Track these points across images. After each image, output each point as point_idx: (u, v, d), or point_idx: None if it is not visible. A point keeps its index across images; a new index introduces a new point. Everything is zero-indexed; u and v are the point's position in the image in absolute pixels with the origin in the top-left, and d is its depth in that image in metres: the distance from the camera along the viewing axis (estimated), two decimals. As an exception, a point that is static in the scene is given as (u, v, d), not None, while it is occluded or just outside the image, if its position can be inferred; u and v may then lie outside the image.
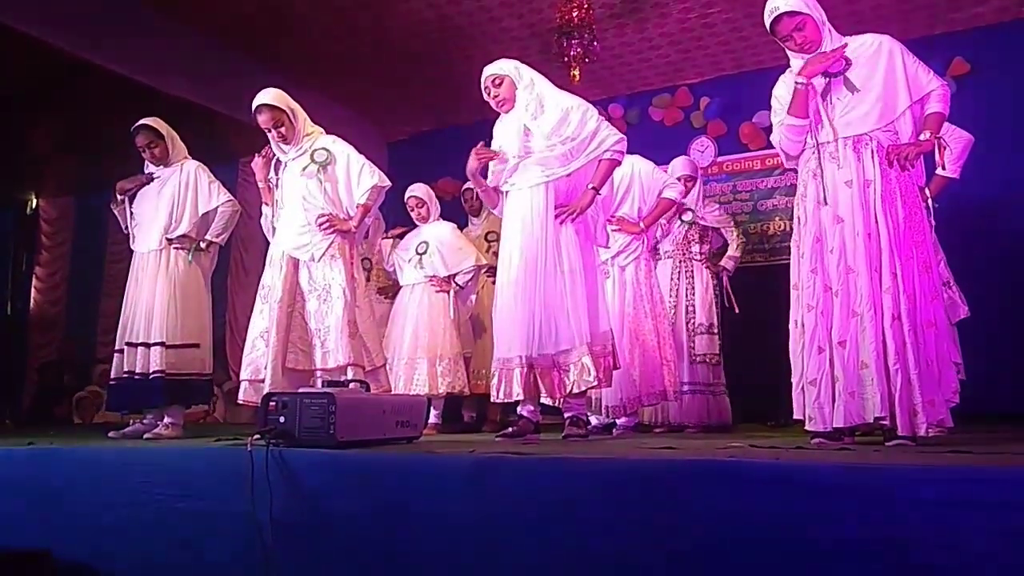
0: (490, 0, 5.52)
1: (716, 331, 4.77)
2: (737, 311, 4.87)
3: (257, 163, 3.83)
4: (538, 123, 3.36)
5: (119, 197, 4.11)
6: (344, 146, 3.78)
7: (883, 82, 2.81)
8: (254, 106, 3.65)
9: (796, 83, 2.87)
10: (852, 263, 2.72)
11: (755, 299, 5.17)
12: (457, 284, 4.98)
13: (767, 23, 2.91)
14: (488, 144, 3.54)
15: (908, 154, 2.72)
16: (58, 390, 7.80)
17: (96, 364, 7.49)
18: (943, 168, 3.98)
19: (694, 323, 4.72)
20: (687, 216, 4.85)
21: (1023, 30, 5.55)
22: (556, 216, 3.32)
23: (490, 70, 3.47)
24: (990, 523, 1.49)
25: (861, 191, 2.75)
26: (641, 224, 4.29)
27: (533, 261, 3.30)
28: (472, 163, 3.48)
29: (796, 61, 2.96)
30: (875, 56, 2.84)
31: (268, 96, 3.64)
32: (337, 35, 5.98)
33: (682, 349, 4.60)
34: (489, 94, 3.48)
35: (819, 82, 2.89)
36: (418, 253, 5.00)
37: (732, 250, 5.08)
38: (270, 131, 3.67)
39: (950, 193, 4.27)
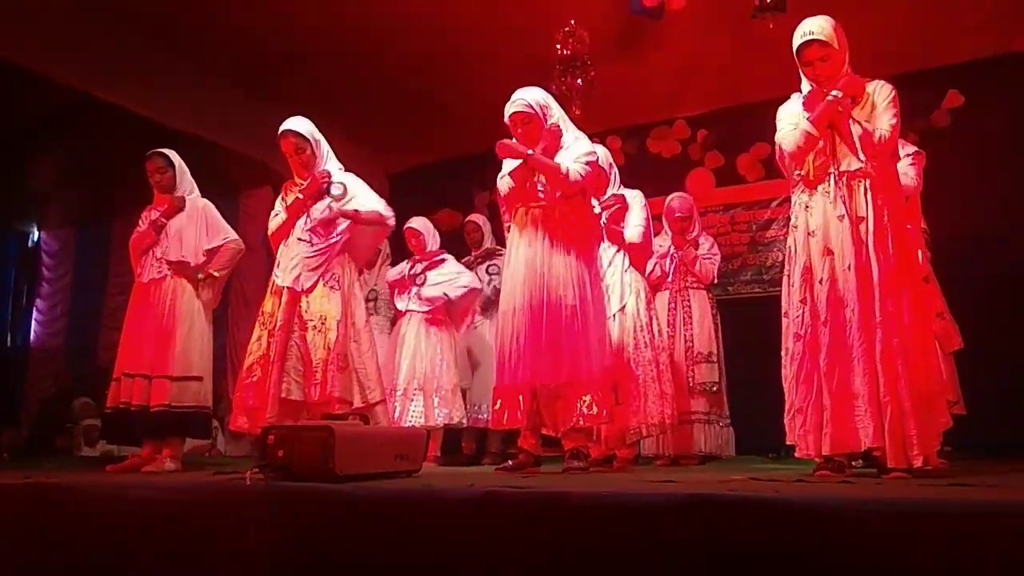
0: (490, 35, 5.59)
1: (715, 359, 4.76)
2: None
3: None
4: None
5: (143, 253, 4.04)
6: (361, 184, 3.86)
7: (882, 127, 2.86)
8: (280, 131, 3.72)
9: (832, 95, 2.87)
10: (842, 295, 2.76)
11: (754, 329, 5.17)
12: (447, 296, 4.98)
13: (795, 43, 2.94)
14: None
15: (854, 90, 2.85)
16: (57, 422, 7.76)
17: (97, 395, 7.46)
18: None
19: (693, 352, 4.71)
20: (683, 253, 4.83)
21: (1015, 64, 5.62)
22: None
23: (517, 107, 3.41)
24: (991, 557, 1.48)
25: (853, 226, 2.79)
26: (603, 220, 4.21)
27: (538, 290, 3.31)
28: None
29: (807, 87, 3.00)
30: (879, 101, 2.89)
31: (296, 123, 3.73)
32: (339, 68, 6.05)
33: (680, 379, 4.60)
34: (515, 128, 3.45)
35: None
36: (416, 284, 5.03)
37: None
38: (291, 157, 3.73)
39: (945, 223, 4.30)
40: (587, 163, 3.39)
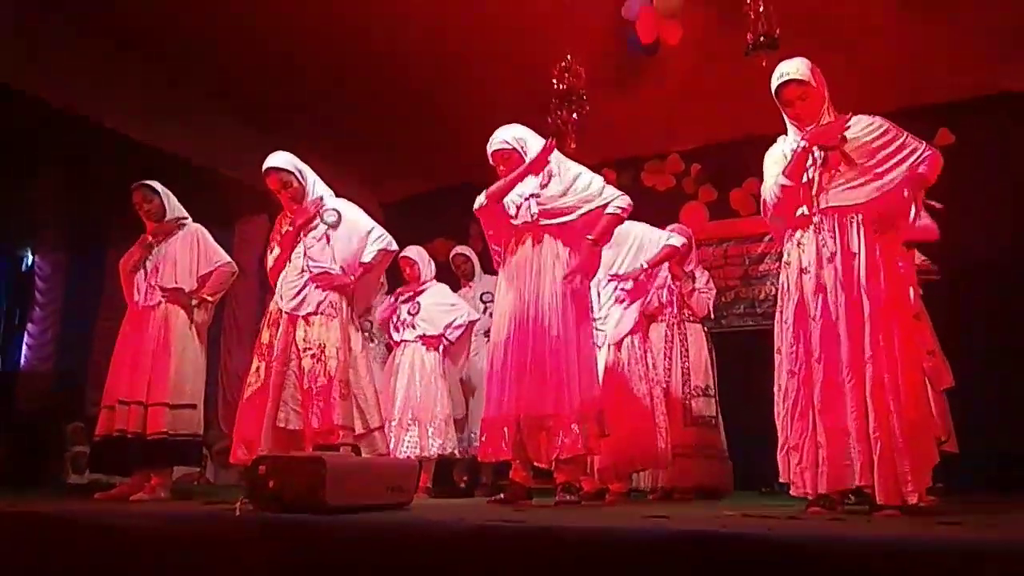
0: (484, 67, 5.65)
1: (712, 393, 4.75)
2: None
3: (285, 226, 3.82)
4: (547, 190, 3.43)
5: (132, 272, 4.05)
6: (355, 209, 3.85)
7: (877, 162, 2.88)
8: (263, 169, 3.71)
9: (799, 144, 2.93)
10: (835, 332, 2.76)
11: (747, 363, 5.18)
12: (447, 340, 4.99)
13: (773, 86, 2.99)
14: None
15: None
16: (44, 448, 7.68)
17: (85, 421, 7.40)
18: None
19: (690, 385, 4.70)
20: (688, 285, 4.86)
21: (1005, 102, 5.69)
22: (566, 281, 3.35)
23: (496, 145, 3.50)
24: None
25: (845, 261, 2.81)
26: (644, 264, 4.30)
27: (525, 322, 3.32)
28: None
29: (792, 128, 3.05)
30: (870, 135, 2.91)
31: (275, 160, 3.71)
32: (334, 98, 6.09)
33: (676, 412, 4.59)
34: (497, 166, 3.52)
35: (815, 154, 2.96)
36: (409, 314, 5.03)
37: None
38: (279, 193, 3.71)
39: (935, 260, 4.32)
40: (617, 191, 3.50)
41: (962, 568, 1.52)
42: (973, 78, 5.67)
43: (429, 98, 6.09)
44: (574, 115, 5.17)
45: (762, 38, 4.40)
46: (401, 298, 5.15)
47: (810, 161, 2.94)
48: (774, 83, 2.98)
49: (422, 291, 5.15)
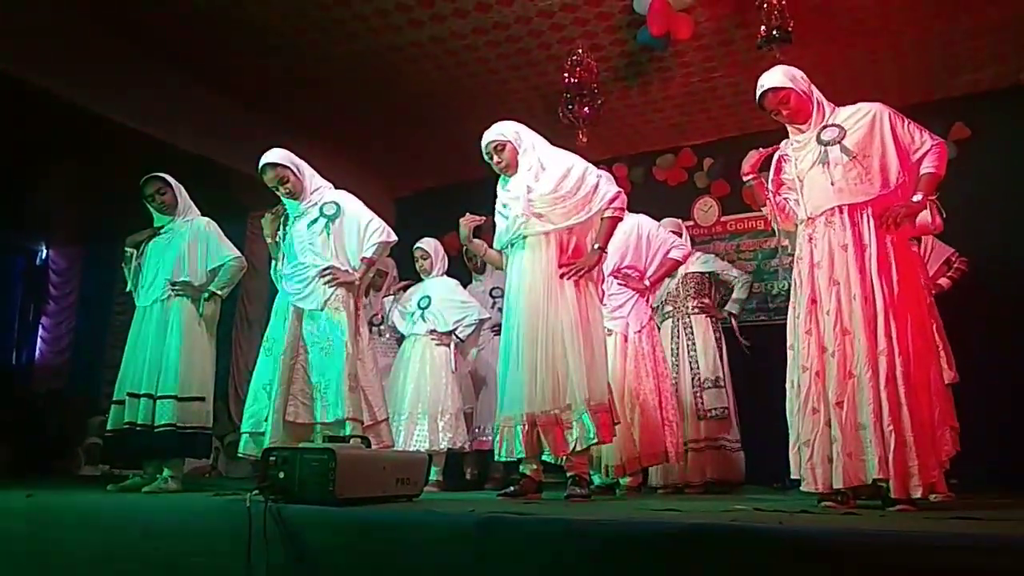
0: (497, 63, 5.64)
1: (722, 383, 4.72)
2: (748, 349, 4.90)
3: (266, 219, 3.88)
4: (540, 183, 3.41)
5: (128, 251, 4.12)
6: (353, 200, 3.85)
7: (881, 152, 2.87)
8: (259, 166, 3.73)
9: (744, 181, 3.18)
10: (848, 325, 2.76)
11: (760, 358, 5.14)
12: (458, 337, 4.99)
13: (757, 101, 3.06)
14: (492, 205, 3.60)
15: (898, 216, 2.78)
16: (60, 440, 7.74)
17: (100, 415, 7.45)
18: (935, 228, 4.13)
19: (699, 378, 4.67)
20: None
21: (1021, 96, 5.63)
22: (561, 274, 3.34)
23: (491, 136, 3.51)
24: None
25: (857, 255, 2.79)
26: (646, 282, 4.30)
27: (535, 317, 3.30)
28: (463, 231, 3.69)
29: (792, 132, 3.05)
30: (871, 126, 2.90)
31: (271, 155, 3.73)
32: (348, 94, 6.10)
33: (685, 406, 4.57)
34: (492, 159, 3.52)
35: (814, 150, 2.95)
36: (420, 307, 5.03)
37: (737, 293, 5.08)
38: (277, 189, 3.73)
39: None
40: (610, 189, 3.44)
41: (977, 562, 1.51)
42: (989, 72, 5.63)
43: (442, 94, 6.09)
44: (586, 109, 5.15)
45: (775, 31, 4.38)
46: (413, 290, 5.16)
47: (786, 171, 3.10)
48: (757, 97, 3.06)
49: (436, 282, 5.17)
